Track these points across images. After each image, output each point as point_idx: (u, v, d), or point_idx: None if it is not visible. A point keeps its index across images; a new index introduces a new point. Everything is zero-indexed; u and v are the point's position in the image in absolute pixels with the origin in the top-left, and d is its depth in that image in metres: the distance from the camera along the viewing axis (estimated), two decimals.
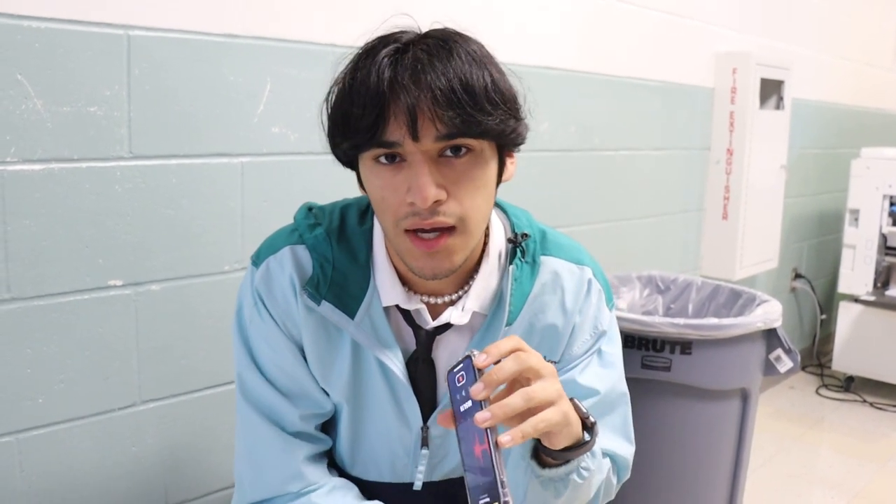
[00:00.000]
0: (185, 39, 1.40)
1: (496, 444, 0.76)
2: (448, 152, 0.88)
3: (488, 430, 0.76)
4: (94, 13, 1.28)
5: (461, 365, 0.82)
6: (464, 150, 0.88)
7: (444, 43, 0.87)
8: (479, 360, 0.80)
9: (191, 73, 1.41)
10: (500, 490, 0.74)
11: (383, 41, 0.89)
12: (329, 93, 0.92)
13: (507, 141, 0.92)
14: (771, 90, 3.00)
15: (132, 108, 1.35)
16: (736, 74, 2.81)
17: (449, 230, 0.89)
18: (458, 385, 0.81)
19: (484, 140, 0.89)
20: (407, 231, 0.90)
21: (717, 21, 2.84)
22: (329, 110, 0.92)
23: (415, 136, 0.85)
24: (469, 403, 0.79)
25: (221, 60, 1.45)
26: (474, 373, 0.80)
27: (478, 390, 0.78)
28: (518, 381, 0.82)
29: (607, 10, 2.35)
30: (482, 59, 0.88)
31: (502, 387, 0.82)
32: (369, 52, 0.88)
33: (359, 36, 0.93)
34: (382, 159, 0.88)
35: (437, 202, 0.87)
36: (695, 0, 2.71)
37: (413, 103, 0.83)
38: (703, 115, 2.85)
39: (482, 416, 0.76)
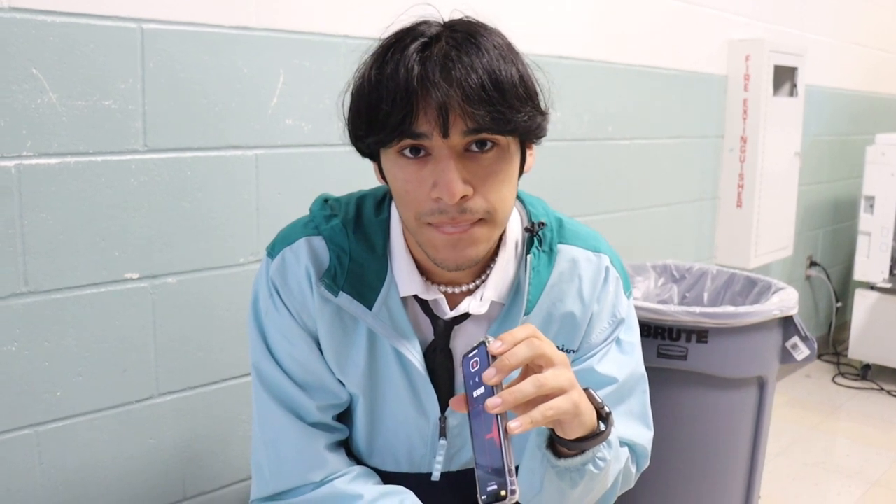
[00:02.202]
0: (198, 32, 1.40)
1: (505, 431, 0.75)
2: (474, 147, 0.87)
3: (499, 417, 0.76)
4: (107, 7, 1.28)
5: (475, 351, 0.82)
6: (489, 144, 0.87)
7: (471, 36, 0.86)
8: (494, 346, 0.80)
9: (205, 66, 1.41)
10: (508, 478, 0.73)
11: (409, 34, 0.87)
12: (351, 84, 0.90)
13: (532, 135, 0.92)
14: (784, 77, 2.98)
15: (147, 102, 1.35)
16: (749, 61, 2.79)
17: (477, 221, 0.89)
18: (472, 371, 0.81)
19: (511, 136, 0.89)
20: (430, 224, 0.89)
21: (730, 8, 2.82)
22: (351, 102, 0.90)
23: (445, 133, 0.84)
24: (482, 389, 0.79)
25: (235, 53, 1.45)
26: (488, 359, 0.79)
27: (490, 375, 0.78)
28: (531, 370, 0.82)
29: None
30: (508, 52, 0.88)
31: (516, 375, 0.82)
32: (396, 46, 0.86)
33: (372, 27, 0.93)
34: (407, 152, 0.87)
35: (464, 198, 0.86)
36: None
37: (444, 99, 0.82)
38: (717, 103, 2.83)
39: (493, 402, 0.76)
